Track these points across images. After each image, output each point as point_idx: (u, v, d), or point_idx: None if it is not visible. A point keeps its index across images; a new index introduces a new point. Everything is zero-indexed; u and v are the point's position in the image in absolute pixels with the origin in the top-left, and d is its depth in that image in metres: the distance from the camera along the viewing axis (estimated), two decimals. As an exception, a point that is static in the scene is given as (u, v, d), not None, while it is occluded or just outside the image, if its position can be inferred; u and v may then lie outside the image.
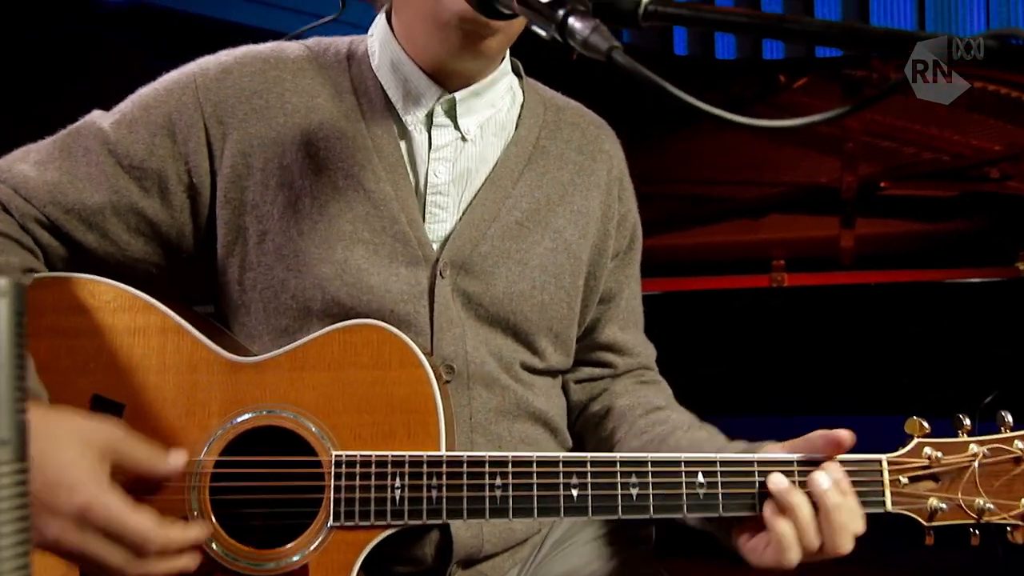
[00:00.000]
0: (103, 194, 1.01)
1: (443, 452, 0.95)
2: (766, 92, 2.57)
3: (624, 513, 0.94)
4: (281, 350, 0.99)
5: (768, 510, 0.92)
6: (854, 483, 0.93)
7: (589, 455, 0.95)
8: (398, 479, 0.94)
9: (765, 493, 0.93)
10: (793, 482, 0.92)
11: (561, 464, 0.94)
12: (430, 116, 1.06)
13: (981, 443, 0.95)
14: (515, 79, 1.16)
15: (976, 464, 0.94)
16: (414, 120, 1.06)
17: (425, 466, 0.94)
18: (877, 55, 0.65)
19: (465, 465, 0.94)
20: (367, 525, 0.94)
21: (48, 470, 0.81)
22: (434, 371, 0.97)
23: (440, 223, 1.07)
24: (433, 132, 1.06)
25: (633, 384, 1.21)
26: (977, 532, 0.95)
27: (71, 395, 0.96)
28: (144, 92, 1.06)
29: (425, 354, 0.97)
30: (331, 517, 0.94)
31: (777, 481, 0.92)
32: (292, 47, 1.10)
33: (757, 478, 0.94)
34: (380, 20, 1.10)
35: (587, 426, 1.20)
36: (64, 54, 2.89)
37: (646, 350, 1.25)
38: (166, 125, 1.02)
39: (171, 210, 1.03)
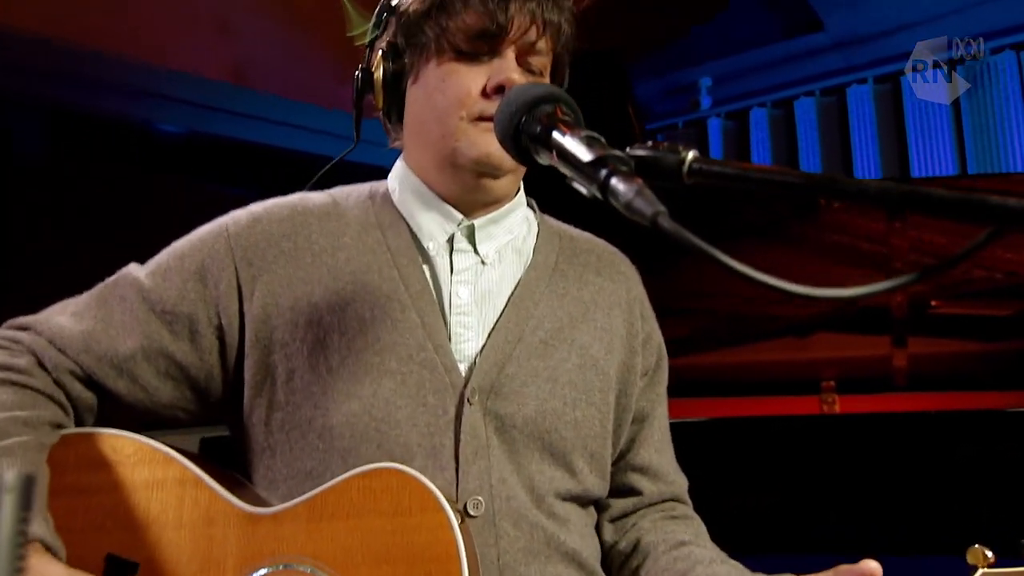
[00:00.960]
0: (135, 340, 1.03)
1: None
2: (807, 211, 2.56)
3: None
4: (299, 499, 0.97)
5: None
6: None
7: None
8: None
9: None
10: None
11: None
12: (451, 241, 1.09)
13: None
14: (530, 211, 1.19)
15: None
16: (436, 246, 1.09)
17: None
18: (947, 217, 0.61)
19: None
20: None
21: None
22: (457, 512, 0.93)
23: (467, 342, 1.07)
24: (454, 256, 1.09)
25: (662, 519, 1.17)
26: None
27: (86, 554, 0.94)
28: (178, 243, 1.10)
29: (447, 495, 0.94)
30: None
31: None
32: (317, 195, 1.14)
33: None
34: (398, 164, 1.15)
35: (614, 564, 1.16)
36: (126, 182, 3.04)
37: (679, 479, 1.22)
38: (198, 271, 1.05)
39: (200, 352, 1.05)
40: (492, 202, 1.09)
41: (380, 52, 1.08)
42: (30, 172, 2.88)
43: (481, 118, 1.01)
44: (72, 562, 0.92)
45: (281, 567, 0.94)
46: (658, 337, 1.22)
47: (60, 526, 0.94)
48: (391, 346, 1.03)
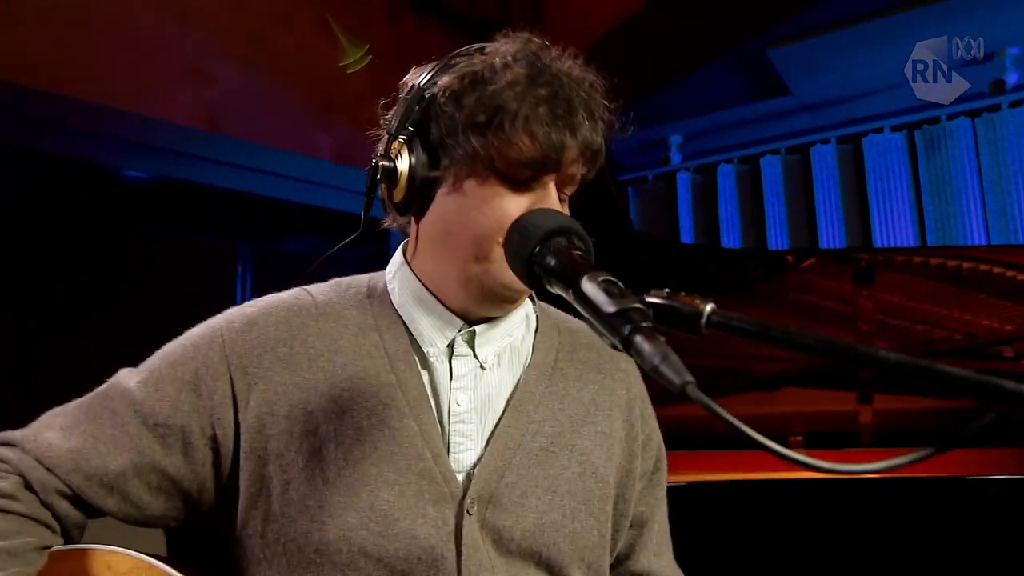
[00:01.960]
0: (126, 456, 1.00)
1: None
2: (774, 272, 2.62)
3: None
4: None
5: None
6: None
7: None
8: None
9: None
10: None
11: None
12: (451, 347, 1.05)
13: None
14: (529, 304, 1.15)
15: None
16: (436, 352, 1.05)
17: None
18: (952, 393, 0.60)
19: None
20: None
21: None
22: None
23: (465, 451, 1.03)
24: (454, 362, 1.05)
25: None
26: None
27: None
28: (171, 348, 1.06)
29: None
30: None
31: None
32: (315, 291, 1.11)
33: None
34: (397, 257, 1.10)
35: None
36: (97, 229, 3.00)
37: None
38: (192, 380, 1.02)
39: (193, 464, 1.01)
40: (499, 314, 1.06)
41: (406, 145, 1.00)
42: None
43: None
44: None
45: None
46: (657, 438, 1.19)
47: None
48: (388, 456, 0.99)
